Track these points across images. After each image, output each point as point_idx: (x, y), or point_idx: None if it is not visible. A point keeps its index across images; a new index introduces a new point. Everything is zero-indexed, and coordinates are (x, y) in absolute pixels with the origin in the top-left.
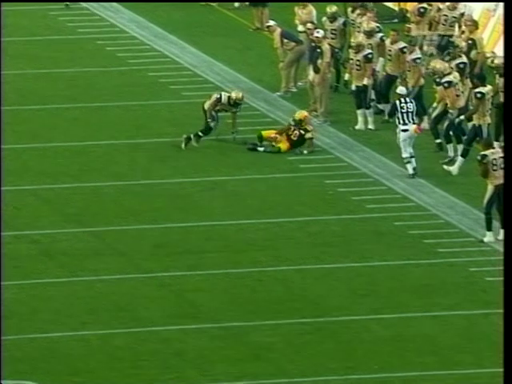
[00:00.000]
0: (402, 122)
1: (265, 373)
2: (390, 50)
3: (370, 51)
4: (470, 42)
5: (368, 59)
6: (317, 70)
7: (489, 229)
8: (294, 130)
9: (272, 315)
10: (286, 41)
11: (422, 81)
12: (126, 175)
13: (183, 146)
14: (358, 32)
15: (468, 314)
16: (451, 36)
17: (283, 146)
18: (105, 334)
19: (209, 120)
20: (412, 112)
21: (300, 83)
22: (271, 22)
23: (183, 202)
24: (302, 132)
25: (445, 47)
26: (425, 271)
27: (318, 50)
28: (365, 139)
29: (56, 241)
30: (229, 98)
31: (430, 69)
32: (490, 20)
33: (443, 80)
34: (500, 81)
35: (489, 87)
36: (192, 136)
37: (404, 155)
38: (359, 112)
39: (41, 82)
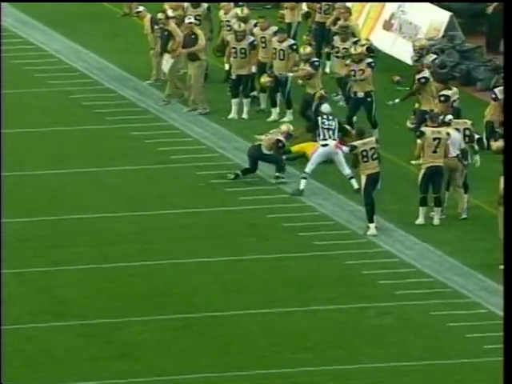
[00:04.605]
0: (321, 137)
1: (134, 371)
2: (263, 37)
3: (253, 38)
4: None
5: (253, 46)
6: (193, 58)
7: (371, 221)
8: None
9: (142, 311)
10: (156, 27)
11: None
12: None
13: (232, 176)
14: (226, 19)
15: (344, 308)
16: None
17: (309, 150)
18: None
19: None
20: (333, 129)
21: None
22: (140, 8)
23: (52, 194)
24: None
25: (320, 35)
26: (300, 264)
27: (193, 37)
28: (238, 129)
29: None
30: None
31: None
32: (365, 7)
33: (368, 61)
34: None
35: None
36: (239, 172)
37: (307, 169)
38: (234, 101)
39: None
